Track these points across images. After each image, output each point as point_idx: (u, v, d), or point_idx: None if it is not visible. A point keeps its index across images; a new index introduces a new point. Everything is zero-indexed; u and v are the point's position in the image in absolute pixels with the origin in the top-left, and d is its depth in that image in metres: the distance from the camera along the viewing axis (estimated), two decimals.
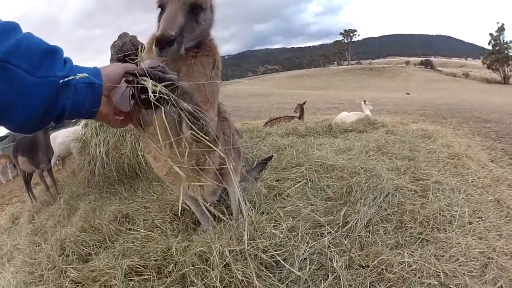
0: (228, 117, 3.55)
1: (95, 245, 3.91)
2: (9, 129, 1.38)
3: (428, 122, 9.46)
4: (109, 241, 3.93)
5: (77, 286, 3.40)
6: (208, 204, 3.76)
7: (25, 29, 1.25)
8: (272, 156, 5.22)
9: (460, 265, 2.81)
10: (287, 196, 3.93)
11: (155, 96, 1.59)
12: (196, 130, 2.17)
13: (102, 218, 4.36)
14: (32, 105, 1.27)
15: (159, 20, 2.28)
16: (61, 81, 1.31)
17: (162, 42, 2.02)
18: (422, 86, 65.81)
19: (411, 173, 4.25)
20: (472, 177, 4.33)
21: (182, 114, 1.97)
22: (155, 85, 1.62)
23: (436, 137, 6.28)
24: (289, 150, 5.39)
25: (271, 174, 4.51)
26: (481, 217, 3.51)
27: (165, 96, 1.68)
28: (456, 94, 36.98)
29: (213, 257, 2.88)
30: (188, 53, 2.38)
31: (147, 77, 1.61)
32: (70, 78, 1.33)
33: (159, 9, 2.29)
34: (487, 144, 6.53)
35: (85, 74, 1.41)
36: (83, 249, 3.84)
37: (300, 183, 4.12)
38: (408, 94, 36.78)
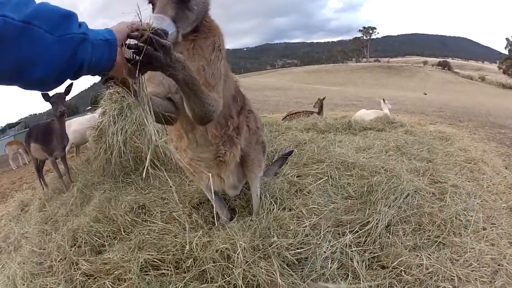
0: (254, 110, 3.58)
1: (109, 236, 3.87)
2: (30, 88, 1.48)
3: (446, 124, 9.44)
4: (124, 232, 3.88)
5: (89, 279, 3.35)
6: (230, 198, 3.90)
7: None
8: (292, 151, 5.20)
9: (473, 270, 2.85)
10: (308, 193, 3.91)
11: (140, 53, 1.71)
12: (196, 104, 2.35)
13: (118, 208, 4.31)
14: (52, 60, 1.41)
15: None
16: (78, 36, 1.46)
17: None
18: (439, 87, 65.40)
19: (430, 175, 4.25)
20: (487, 182, 4.34)
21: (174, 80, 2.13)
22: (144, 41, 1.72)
23: (453, 140, 6.26)
24: (310, 145, 5.36)
25: (292, 170, 4.47)
26: (494, 224, 3.53)
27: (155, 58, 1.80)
28: (473, 97, 36.63)
29: (237, 254, 2.86)
30: (187, 38, 2.46)
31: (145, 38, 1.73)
32: (86, 35, 1.50)
33: (151, 5, 2.29)
34: (502, 151, 6.50)
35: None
36: (97, 240, 3.79)
37: (321, 180, 4.11)
38: (426, 94, 36.52)
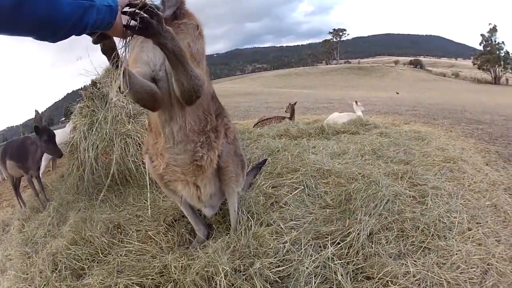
0: (232, 122, 3.60)
1: (88, 259, 3.78)
2: (42, 39, 1.74)
3: (420, 123, 9.52)
4: (102, 254, 3.81)
5: None
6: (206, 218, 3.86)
7: None
8: (266, 160, 5.20)
9: (462, 272, 2.82)
10: (284, 204, 3.88)
11: (137, 19, 2.09)
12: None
13: (93, 229, 4.22)
14: (63, 19, 1.66)
15: None
16: (88, 2, 1.77)
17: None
18: (411, 85, 66.15)
19: (408, 178, 4.25)
20: (468, 181, 4.36)
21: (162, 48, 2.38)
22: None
23: (430, 139, 6.32)
24: (283, 153, 5.35)
25: (267, 180, 4.45)
26: (480, 223, 3.53)
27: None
28: (446, 94, 37.23)
29: (220, 278, 2.80)
30: (170, 22, 2.69)
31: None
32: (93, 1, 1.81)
33: None
34: (481, 147, 6.55)
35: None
36: (76, 263, 3.71)
37: (297, 190, 4.09)
38: (398, 93, 36.91)
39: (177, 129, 2.95)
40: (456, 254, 3.00)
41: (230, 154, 3.38)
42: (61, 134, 8.31)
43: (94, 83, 6.58)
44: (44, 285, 3.57)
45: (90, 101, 6.43)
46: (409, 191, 3.94)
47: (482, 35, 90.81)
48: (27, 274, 3.94)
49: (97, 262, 3.68)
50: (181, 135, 2.97)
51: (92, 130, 5.91)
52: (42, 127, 5.94)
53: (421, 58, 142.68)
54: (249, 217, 3.61)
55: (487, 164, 5.33)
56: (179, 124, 2.94)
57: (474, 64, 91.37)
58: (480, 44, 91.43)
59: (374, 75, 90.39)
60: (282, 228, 3.42)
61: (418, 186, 4.07)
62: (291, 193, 4.01)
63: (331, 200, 3.84)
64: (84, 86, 6.67)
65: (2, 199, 9.83)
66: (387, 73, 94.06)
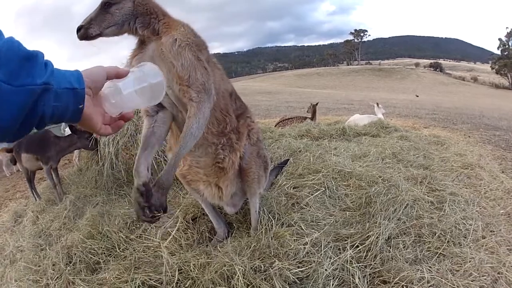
0: (256, 123, 3.58)
1: (104, 253, 3.80)
2: None
3: (440, 128, 9.46)
4: (119, 249, 3.84)
5: None
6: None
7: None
8: (288, 160, 5.19)
9: (473, 280, 2.84)
10: (305, 205, 3.87)
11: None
12: None
13: (111, 224, 4.25)
14: (10, 113, 1.21)
15: None
16: (39, 87, 1.25)
17: (76, 31, 2.67)
18: (431, 88, 65.66)
19: (427, 183, 4.23)
20: (484, 188, 4.36)
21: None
22: None
23: (449, 145, 6.31)
24: (305, 154, 5.33)
25: (288, 181, 4.43)
26: (493, 231, 3.56)
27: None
28: (465, 98, 36.81)
29: (237, 277, 2.80)
30: (150, 38, 2.90)
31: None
32: (49, 84, 1.29)
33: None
34: (498, 154, 6.53)
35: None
36: (91, 257, 3.74)
37: (318, 192, 4.06)
38: (417, 96, 36.67)
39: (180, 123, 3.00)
40: (470, 261, 3.01)
41: (253, 156, 3.39)
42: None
43: None
44: (57, 277, 3.61)
45: None
46: (428, 196, 3.94)
47: (499, 39, 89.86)
48: (39, 266, 3.96)
49: (114, 257, 3.71)
50: (201, 139, 2.99)
51: None
52: (78, 130, 6.10)
53: (441, 61, 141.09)
54: (270, 217, 3.60)
55: (503, 172, 5.32)
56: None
57: (492, 68, 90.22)
58: (498, 49, 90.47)
59: (394, 77, 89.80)
60: (303, 229, 3.42)
61: (437, 192, 4.07)
62: (312, 195, 3.99)
63: (351, 202, 3.84)
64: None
65: (16, 190, 10.04)
66: (408, 75, 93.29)
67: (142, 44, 2.97)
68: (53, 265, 3.79)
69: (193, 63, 2.79)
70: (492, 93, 61.00)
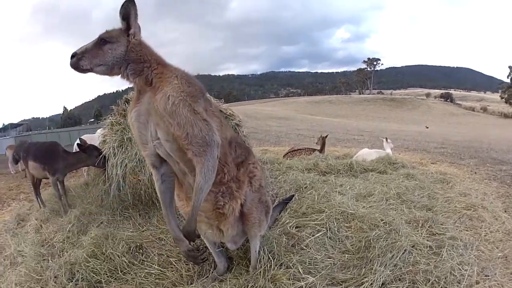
0: (259, 167, 3.60)
1: (106, 274, 3.89)
2: None
3: (447, 164, 9.45)
4: (121, 272, 3.93)
5: None
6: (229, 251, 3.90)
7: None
8: (293, 196, 5.18)
9: None
10: (305, 247, 3.88)
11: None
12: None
13: (115, 247, 4.31)
14: None
15: None
16: None
17: (71, 57, 2.81)
18: (441, 119, 65.46)
19: (428, 226, 4.24)
20: (485, 231, 4.35)
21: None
22: None
23: (454, 183, 6.29)
24: (310, 191, 5.33)
25: (291, 219, 4.46)
26: (488, 276, 3.56)
27: None
28: (474, 129, 36.63)
29: None
30: (144, 90, 2.98)
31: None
32: None
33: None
34: (502, 191, 6.48)
35: None
36: (94, 276, 3.83)
37: (320, 233, 4.08)
38: (427, 128, 36.57)
39: (192, 181, 3.02)
40: None
41: (254, 202, 3.42)
42: (88, 139, 8.12)
43: (127, 100, 6.59)
44: None
45: (122, 117, 6.39)
46: (427, 240, 3.94)
47: (510, 67, 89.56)
48: (40, 276, 4.01)
49: (115, 279, 3.84)
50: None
51: (122, 147, 5.93)
52: (89, 145, 6.23)
53: (452, 91, 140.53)
54: (270, 257, 3.61)
55: (505, 211, 5.29)
56: (192, 178, 3.01)
57: (501, 98, 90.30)
58: (507, 77, 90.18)
59: (405, 108, 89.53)
60: (300, 273, 3.45)
61: (437, 236, 4.07)
62: (313, 236, 4.02)
63: (351, 245, 3.85)
64: (117, 101, 6.70)
65: (19, 190, 10.36)
66: (418, 106, 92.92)
67: (139, 93, 3.06)
68: (55, 277, 3.89)
69: (189, 120, 2.83)
70: (501, 122, 60.89)
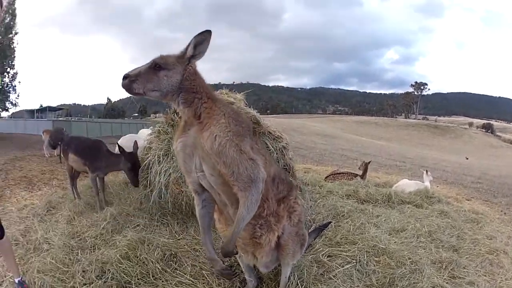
0: (300, 202, 3.60)
1: (137, 276, 3.91)
2: None
3: (480, 201, 9.34)
4: (152, 277, 3.94)
5: None
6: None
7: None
8: (329, 223, 5.20)
9: None
10: (333, 277, 3.89)
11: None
12: None
13: (150, 253, 4.32)
14: None
15: None
16: None
17: (123, 77, 2.79)
18: (481, 151, 64.13)
19: (451, 269, 4.23)
20: (501, 277, 4.30)
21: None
22: None
23: (484, 223, 6.26)
24: (347, 221, 5.34)
25: (325, 247, 4.49)
26: None
27: None
28: (511, 164, 35.78)
29: None
30: (192, 124, 2.95)
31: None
32: None
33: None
34: None
35: None
36: (124, 277, 3.86)
37: (349, 265, 4.07)
38: (467, 159, 35.89)
39: (232, 213, 3.07)
40: None
41: (292, 235, 3.39)
42: (131, 140, 8.13)
43: (175, 111, 6.15)
44: (85, 285, 3.76)
45: (170, 127, 6.32)
46: (447, 283, 3.93)
47: None
48: (67, 267, 4.07)
49: (146, 283, 3.87)
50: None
51: (168, 157, 5.84)
52: (129, 153, 6.17)
53: (493, 122, 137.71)
54: (299, 283, 3.67)
55: None
56: (233, 210, 3.05)
57: None
58: None
59: (448, 136, 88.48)
60: None
61: (457, 279, 4.06)
62: (342, 267, 4.00)
63: (376, 280, 3.84)
64: (166, 110, 6.62)
65: (53, 175, 10.29)
66: (460, 135, 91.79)
67: (185, 124, 3.03)
68: (83, 271, 3.98)
69: (235, 160, 2.82)
70: None
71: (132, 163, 6.15)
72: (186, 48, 2.94)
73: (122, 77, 2.79)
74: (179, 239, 4.99)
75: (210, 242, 3.28)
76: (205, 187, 3.08)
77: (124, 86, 2.78)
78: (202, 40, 2.90)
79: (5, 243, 3.67)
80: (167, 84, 2.86)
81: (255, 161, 2.91)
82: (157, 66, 2.83)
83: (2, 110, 36.42)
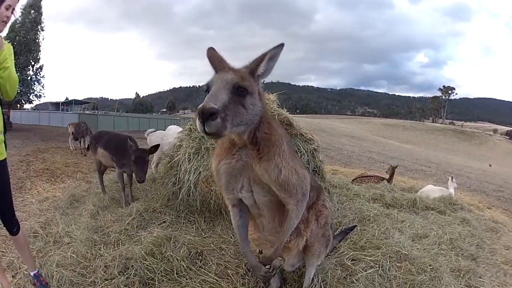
0: (327, 205, 3.56)
1: (161, 273, 3.87)
2: None
3: (501, 210, 9.29)
4: (176, 274, 3.90)
5: None
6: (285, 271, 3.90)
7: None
8: (355, 226, 5.20)
9: None
10: (356, 280, 3.86)
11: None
12: None
13: (175, 251, 4.28)
14: None
15: None
16: None
17: (204, 115, 1.99)
18: (504, 158, 63.11)
19: (468, 278, 4.21)
20: None
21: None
22: None
23: (502, 233, 6.24)
24: (372, 225, 5.32)
25: (349, 250, 4.48)
26: None
27: None
28: None
29: None
30: (245, 145, 2.54)
31: None
32: None
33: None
34: None
35: None
36: (147, 273, 3.84)
37: (372, 270, 4.04)
38: (491, 166, 35.51)
39: (266, 223, 3.04)
40: None
41: (318, 237, 3.37)
42: (159, 137, 8.50)
43: None
44: (106, 280, 3.75)
45: None
46: None
47: None
48: (89, 262, 4.08)
49: (169, 280, 3.82)
50: (269, 227, 3.06)
51: (198, 155, 5.69)
52: (135, 149, 6.02)
53: None
54: (322, 286, 3.69)
55: None
56: (267, 220, 3.00)
57: None
58: None
59: (473, 142, 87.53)
60: None
61: None
62: (365, 271, 3.98)
63: (396, 285, 3.82)
64: (195, 108, 6.48)
65: (77, 169, 10.29)
66: (485, 141, 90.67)
67: (232, 145, 2.62)
68: (105, 267, 3.96)
69: (295, 185, 2.66)
70: None
71: (136, 156, 5.93)
72: (258, 63, 2.41)
73: (207, 114, 2.00)
74: (205, 237, 4.95)
75: (249, 250, 3.16)
76: (246, 203, 2.91)
77: (214, 128, 2.03)
78: (276, 55, 2.41)
79: (20, 238, 3.65)
80: (254, 114, 2.34)
81: (306, 178, 2.83)
82: (241, 91, 2.23)
83: (26, 102, 36.93)
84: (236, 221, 3.03)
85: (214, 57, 2.46)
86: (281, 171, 2.56)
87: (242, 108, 2.21)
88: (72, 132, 14.86)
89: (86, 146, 12.29)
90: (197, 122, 2.04)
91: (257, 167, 2.56)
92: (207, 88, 2.26)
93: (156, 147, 6.32)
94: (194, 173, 5.54)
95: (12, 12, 3.19)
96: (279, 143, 2.60)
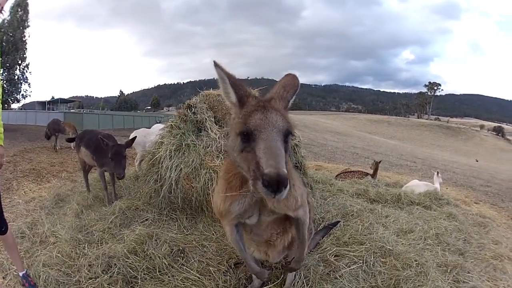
0: (310, 201, 3.47)
1: (143, 271, 3.92)
2: None
3: (488, 205, 9.22)
4: (159, 272, 3.96)
5: None
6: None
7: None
8: (338, 222, 5.17)
9: None
10: (339, 276, 3.85)
11: None
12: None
13: (157, 249, 4.33)
14: None
15: (242, 149, 2.04)
16: None
17: (279, 184, 1.75)
18: (491, 154, 63.47)
19: (456, 273, 4.17)
20: (503, 284, 4.26)
21: None
22: None
23: (490, 228, 6.21)
24: (356, 220, 5.29)
25: (332, 246, 4.46)
26: None
27: None
28: None
29: None
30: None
31: None
32: None
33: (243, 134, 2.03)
34: None
35: None
36: (130, 271, 3.88)
37: (356, 265, 4.03)
38: (477, 161, 35.68)
39: (256, 229, 2.95)
40: None
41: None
42: (144, 134, 8.52)
43: (189, 106, 6.48)
44: (91, 279, 3.79)
45: (182, 122, 6.28)
46: (450, 287, 3.93)
47: None
48: (73, 261, 4.14)
49: (152, 278, 3.89)
50: (259, 231, 2.98)
51: (179, 152, 5.78)
52: (111, 145, 5.94)
53: (504, 125, 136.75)
54: (304, 282, 3.69)
55: None
56: (260, 227, 2.91)
57: None
58: None
59: (459, 137, 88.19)
60: None
61: (460, 284, 4.02)
62: (349, 267, 3.98)
63: (382, 281, 3.80)
64: (180, 105, 6.43)
65: (62, 168, 10.32)
66: (472, 137, 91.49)
67: (242, 182, 2.40)
68: (89, 265, 4.01)
69: (296, 200, 2.57)
70: None
71: (112, 153, 5.88)
72: (291, 97, 2.40)
73: (281, 182, 1.76)
74: (187, 235, 5.00)
75: (252, 259, 3.16)
76: (250, 224, 2.81)
77: (284, 195, 1.83)
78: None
79: (8, 238, 3.73)
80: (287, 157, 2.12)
81: (301, 181, 2.83)
82: (288, 136, 2.09)
83: (13, 102, 36.69)
84: (234, 236, 2.91)
85: (236, 83, 2.21)
86: (298, 199, 2.57)
87: (287, 156, 2.03)
88: (46, 131, 15.09)
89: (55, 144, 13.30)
90: (261, 187, 1.80)
91: (274, 200, 2.41)
92: (246, 132, 2.00)
93: (132, 140, 6.40)
94: (175, 170, 5.61)
95: (1, 11, 3.24)
96: (293, 174, 2.54)
